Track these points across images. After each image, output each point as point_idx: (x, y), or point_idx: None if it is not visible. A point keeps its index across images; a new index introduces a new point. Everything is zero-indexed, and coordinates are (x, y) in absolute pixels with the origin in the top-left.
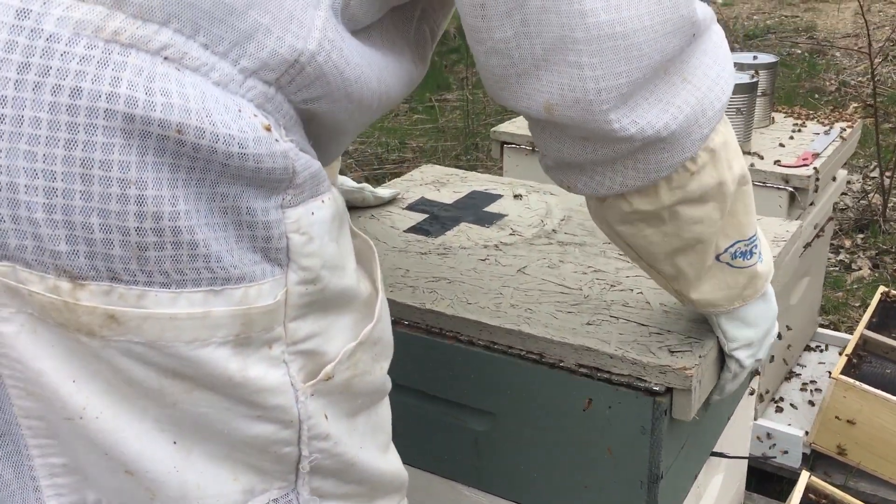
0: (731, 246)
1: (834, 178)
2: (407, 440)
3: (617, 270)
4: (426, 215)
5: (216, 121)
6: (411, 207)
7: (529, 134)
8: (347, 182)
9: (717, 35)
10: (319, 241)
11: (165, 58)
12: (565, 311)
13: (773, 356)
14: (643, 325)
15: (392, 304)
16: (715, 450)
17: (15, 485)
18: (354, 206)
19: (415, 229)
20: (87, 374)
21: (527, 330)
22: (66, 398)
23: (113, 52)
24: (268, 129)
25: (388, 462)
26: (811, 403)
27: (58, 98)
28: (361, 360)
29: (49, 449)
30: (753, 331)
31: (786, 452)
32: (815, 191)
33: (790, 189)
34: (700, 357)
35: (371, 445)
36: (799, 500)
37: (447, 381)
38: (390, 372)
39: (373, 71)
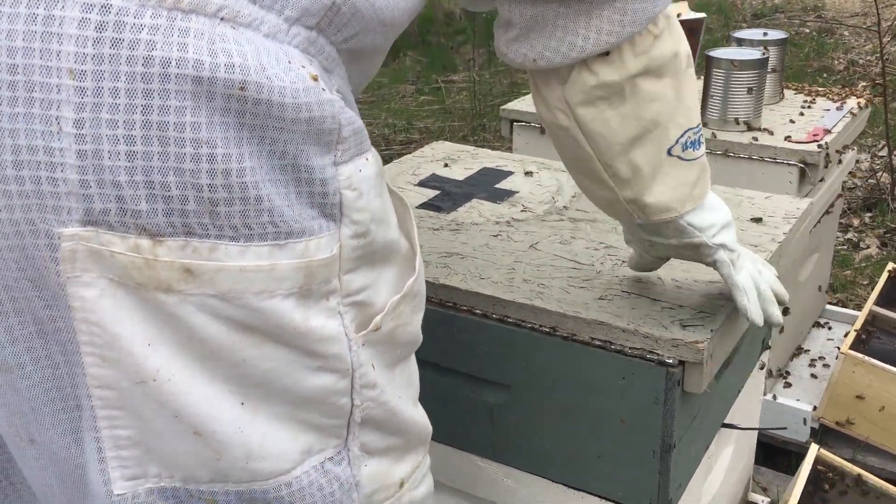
0: (682, 136)
1: (841, 152)
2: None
3: (629, 247)
4: (437, 191)
5: (271, 74)
6: (423, 184)
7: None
8: None
9: None
10: (367, 196)
11: (222, 18)
12: (578, 286)
13: (782, 328)
14: (655, 300)
15: None
16: (726, 421)
17: (80, 457)
18: None
19: (426, 205)
20: (162, 336)
21: (540, 304)
22: (141, 361)
23: (176, 19)
24: (315, 78)
25: (419, 413)
26: (818, 378)
27: (132, 68)
28: (404, 311)
29: (117, 420)
30: (719, 213)
31: (795, 425)
32: (826, 166)
33: (800, 165)
34: (712, 331)
35: (406, 396)
36: (808, 472)
37: (462, 354)
38: None
39: None
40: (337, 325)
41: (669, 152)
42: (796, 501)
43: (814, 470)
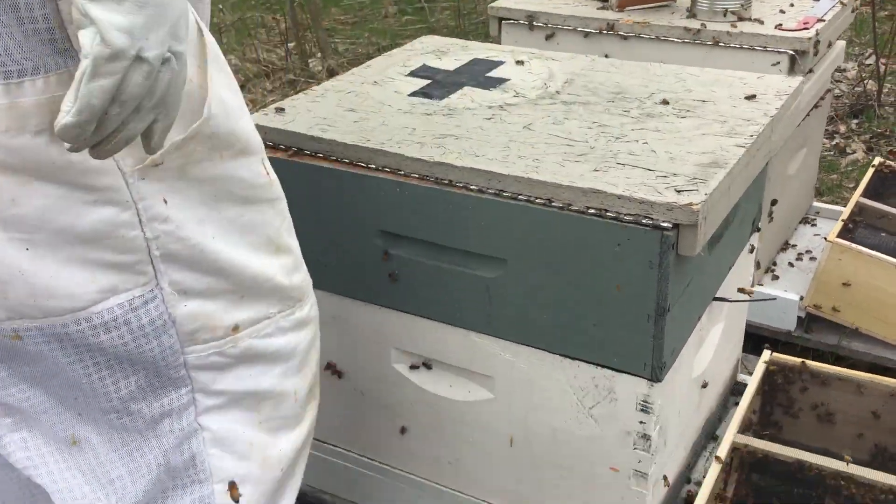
0: None
1: (831, 44)
2: (420, 292)
3: (622, 125)
4: (428, 81)
5: None
6: (414, 74)
7: (528, 8)
8: None
9: None
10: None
11: None
12: (572, 161)
13: (771, 215)
14: (649, 170)
15: (402, 157)
16: (717, 295)
17: None
18: None
19: (418, 93)
20: None
21: (535, 177)
22: None
23: None
24: None
25: (261, 263)
26: (804, 271)
27: None
28: (195, 150)
29: None
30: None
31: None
32: (815, 55)
33: (791, 53)
34: (706, 194)
35: (233, 240)
36: (762, 372)
37: (458, 230)
38: (400, 225)
39: None
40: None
41: None
42: (747, 402)
43: (767, 370)
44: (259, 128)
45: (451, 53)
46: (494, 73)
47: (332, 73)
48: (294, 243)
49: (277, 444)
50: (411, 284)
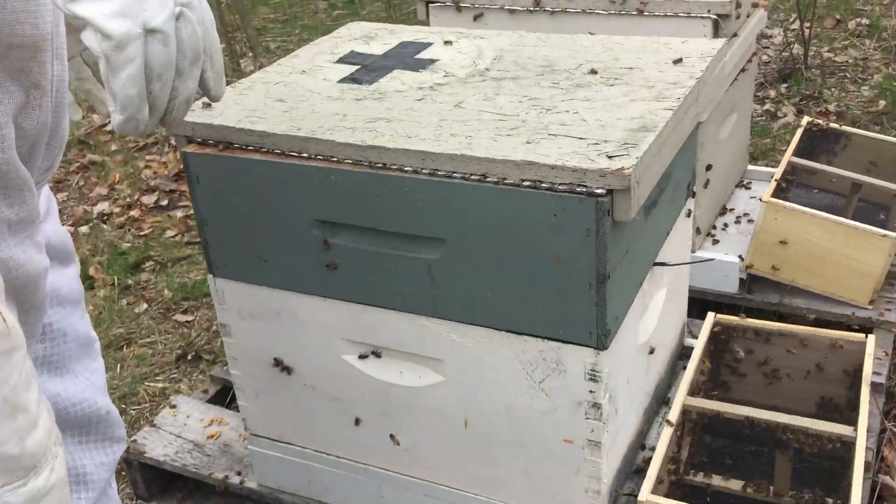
0: None
1: (755, 5)
2: (363, 280)
3: (552, 97)
4: (357, 66)
5: None
6: (342, 60)
7: None
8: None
9: None
10: None
11: None
12: (504, 135)
13: (707, 181)
14: (581, 138)
15: (333, 144)
16: (657, 260)
17: None
18: None
19: (347, 79)
20: None
21: (469, 153)
22: None
23: None
24: None
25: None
26: (743, 234)
27: None
28: None
29: None
30: None
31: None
32: (738, 17)
33: (714, 17)
34: (637, 158)
35: None
36: (708, 334)
37: (395, 213)
38: (337, 213)
39: None
40: None
41: None
42: (694, 365)
43: (712, 335)
44: (186, 124)
45: (378, 38)
46: (423, 55)
47: None
48: (32, 397)
49: None
50: (354, 273)
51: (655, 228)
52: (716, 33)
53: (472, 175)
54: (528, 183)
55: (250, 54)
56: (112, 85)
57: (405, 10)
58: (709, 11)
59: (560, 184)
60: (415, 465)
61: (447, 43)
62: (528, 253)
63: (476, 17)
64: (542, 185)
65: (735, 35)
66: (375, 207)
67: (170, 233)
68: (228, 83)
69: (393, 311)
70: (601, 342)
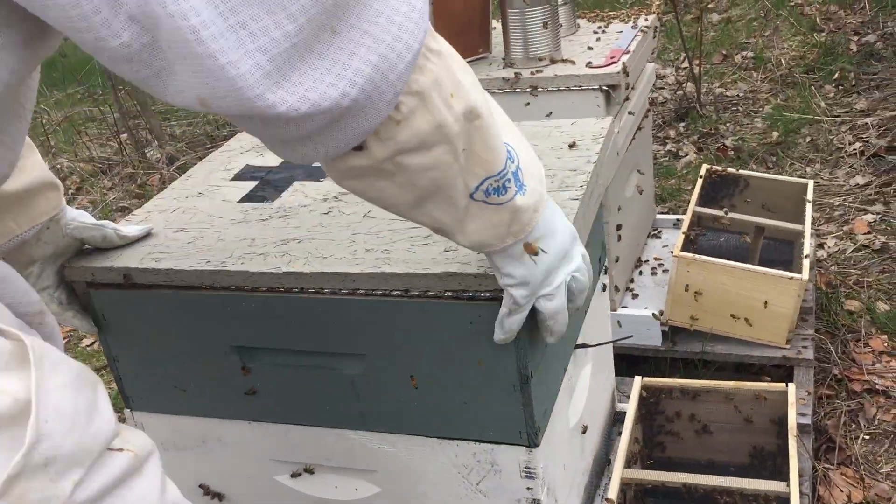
0: (481, 183)
1: (641, 70)
2: (288, 400)
3: None
4: (255, 181)
5: None
6: (238, 177)
7: None
8: (85, 218)
9: None
10: None
11: None
12: (420, 245)
13: (619, 238)
14: None
15: (247, 274)
16: (578, 342)
17: None
18: (99, 248)
19: (249, 198)
20: None
21: (388, 269)
22: None
23: None
24: None
25: None
26: (660, 285)
27: None
28: (30, 489)
29: None
30: (528, 269)
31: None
32: (627, 87)
33: (604, 89)
34: None
35: None
36: (636, 402)
37: (314, 334)
38: (255, 338)
39: None
40: None
41: (472, 197)
42: (628, 433)
43: (641, 399)
44: (81, 269)
45: None
46: None
47: (171, 160)
48: None
49: None
50: (277, 394)
51: (572, 314)
52: (608, 101)
53: (393, 291)
54: (450, 293)
55: (155, 143)
56: (504, 323)
57: None
58: (599, 86)
59: (484, 291)
60: None
61: None
62: (450, 360)
63: None
64: (465, 293)
65: (627, 99)
66: (293, 329)
67: (86, 341)
68: (135, 175)
69: (320, 427)
70: (532, 440)
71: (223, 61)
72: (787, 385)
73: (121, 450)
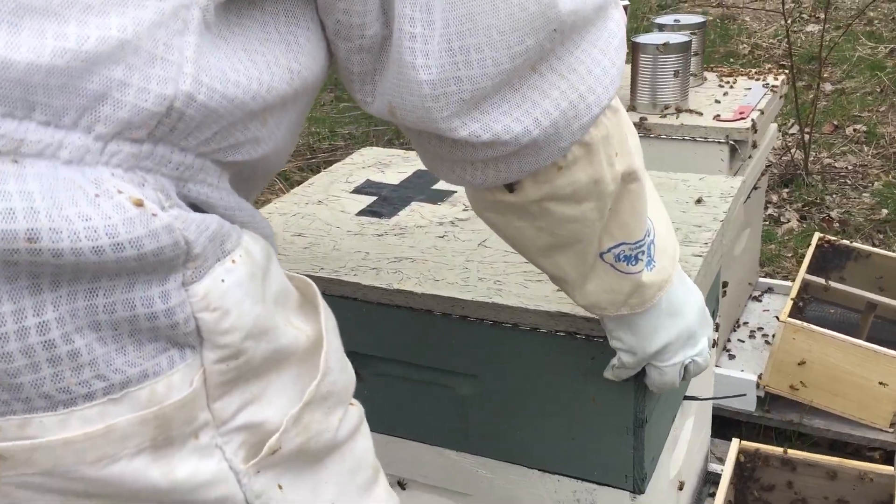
0: (615, 247)
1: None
2: (392, 411)
3: None
4: (374, 197)
5: (70, 214)
6: (358, 191)
7: None
8: None
9: (614, 22)
10: (237, 310)
11: None
12: (534, 280)
13: (724, 296)
14: None
15: (358, 286)
16: (687, 394)
17: None
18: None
19: (366, 212)
20: None
21: (500, 301)
22: None
23: None
24: (138, 203)
25: (375, 499)
26: (758, 349)
27: None
28: (313, 420)
29: None
30: (637, 339)
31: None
32: (755, 144)
33: (731, 143)
34: None
35: (349, 493)
36: (732, 465)
37: (426, 348)
38: (367, 345)
39: (278, 66)
40: (215, 463)
41: (602, 257)
42: (723, 495)
43: (737, 463)
44: None
45: (392, 166)
46: (440, 185)
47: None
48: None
49: None
50: (384, 403)
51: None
52: (733, 156)
53: (503, 322)
54: (562, 333)
55: None
56: (614, 370)
57: None
58: (727, 137)
59: (597, 336)
60: None
61: None
62: (563, 394)
63: None
64: (578, 335)
65: (750, 157)
66: (406, 342)
67: None
68: None
69: (422, 443)
70: (637, 486)
71: (424, 78)
72: (895, 468)
73: (352, 404)
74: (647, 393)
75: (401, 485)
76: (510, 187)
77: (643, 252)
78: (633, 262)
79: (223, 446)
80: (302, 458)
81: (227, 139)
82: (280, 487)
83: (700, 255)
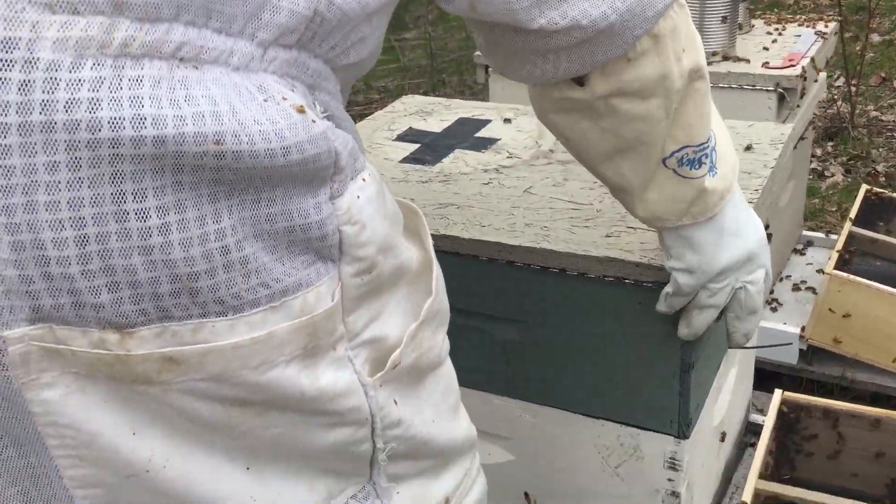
0: (679, 150)
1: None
2: None
3: None
4: (418, 145)
5: (245, 118)
6: (401, 138)
7: None
8: None
9: None
10: (371, 225)
11: (181, 59)
12: (581, 226)
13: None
14: None
15: None
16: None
17: None
18: None
19: (410, 159)
20: (147, 422)
21: (547, 247)
22: (129, 454)
23: (125, 68)
24: (300, 110)
25: (460, 425)
26: (801, 302)
27: (74, 135)
28: (424, 337)
29: None
30: (699, 257)
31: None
32: (803, 92)
33: (780, 90)
34: None
35: (443, 413)
36: (776, 413)
37: (472, 294)
38: None
39: None
40: (349, 374)
41: (664, 162)
42: (765, 444)
43: (780, 413)
44: None
45: (435, 114)
46: (483, 133)
47: None
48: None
49: None
50: None
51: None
52: (781, 104)
53: (551, 267)
54: (610, 279)
55: None
56: (661, 304)
57: (447, 56)
58: (776, 85)
59: (646, 281)
60: None
61: (506, 121)
62: (609, 339)
63: None
64: (626, 280)
65: (798, 106)
66: (451, 287)
67: None
68: None
69: (465, 388)
70: (682, 431)
71: None
72: None
73: None
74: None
75: None
76: (580, 81)
77: (706, 156)
78: (696, 167)
79: (353, 359)
80: (412, 374)
81: (346, 41)
82: (395, 402)
83: (752, 202)
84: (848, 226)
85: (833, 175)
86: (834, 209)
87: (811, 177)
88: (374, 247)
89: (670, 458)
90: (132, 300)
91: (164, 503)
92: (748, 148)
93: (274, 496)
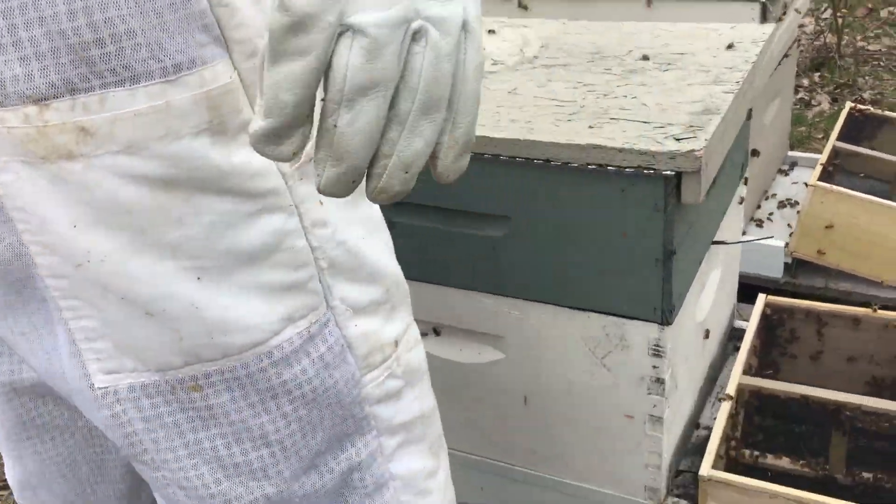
0: None
1: None
2: (424, 258)
3: (607, 83)
4: None
5: None
6: None
7: None
8: None
9: None
10: (242, 8)
11: None
12: (565, 121)
13: (746, 181)
14: (644, 122)
15: None
16: (715, 239)
17: (58, 351)
18: None
19: None
20: (83, 214)
21: (531, 138)
22: (71, 242)
23: None
24: None
25: (392, 262)
26: (786, 219)
27: None
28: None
29: (80, 311)
30: None
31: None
32: (785, 6)
33: (762, 1)
34: (706, 140)
35: (374, 236)
36: (759, 315)
37: (458, 191)
38: None
39: None
40: (263, 158)
41: None
42: (748, 345)
43: (763, 313)
44: None
45: None
46: None
47: None
48: None
49: (443, 468)
50: (416, 250)
51: (714, 208)
52: (763, 18)
53: (535, 159)
54: (593, 167)
55: None
56: (266, 76)
57: None
58: None
59: (627, 167)
60: (472, 442)
61: (490, 32)
62: (593, 229)
63: (520, 5)
64: (609, 167)
65: (780, 19)
66: (437, 186)
67: None
68: None
69: (455, 288)
70: (665, 318)
71: None
72: None
73: None
74: (675, 224)
75: (435, 331)
76: None
77: None
78: None
79: None
80: None
81: None
82: (321, 203)
83: (731, 92)
84: (832, 140)
85: (819, 104)
86: (821, 136)
87: (798, 106)
88: (252, 29)
89: (654, 345)
90: (41, 72)
91: (111, 299)
92: (730, 46)
93: (221, 309)
